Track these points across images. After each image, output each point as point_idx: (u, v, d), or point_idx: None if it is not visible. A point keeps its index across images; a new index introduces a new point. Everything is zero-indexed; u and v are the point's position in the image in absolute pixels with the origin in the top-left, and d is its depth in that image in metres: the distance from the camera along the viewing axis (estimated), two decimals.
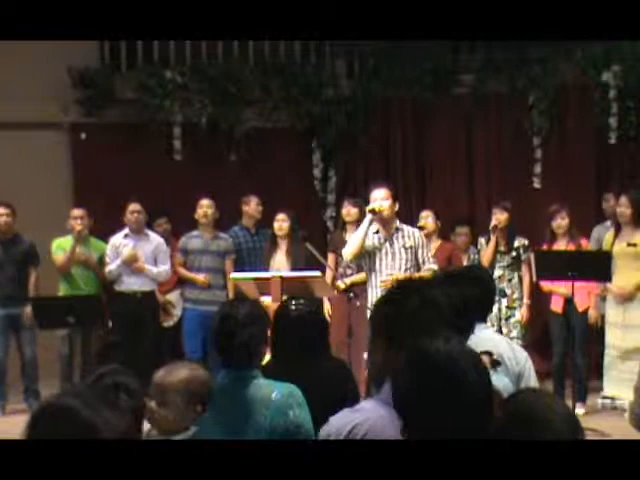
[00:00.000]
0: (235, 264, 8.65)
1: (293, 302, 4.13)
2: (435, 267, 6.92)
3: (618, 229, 7.64)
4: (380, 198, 6.84)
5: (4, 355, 8.31)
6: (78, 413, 1.90)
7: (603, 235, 8.25)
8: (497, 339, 4.10)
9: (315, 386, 3.77)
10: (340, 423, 2.65)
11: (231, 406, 3.44)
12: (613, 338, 7.56)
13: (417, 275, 6.83)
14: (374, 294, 6.80)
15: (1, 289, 8.22)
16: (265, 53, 10.14)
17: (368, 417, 2.59)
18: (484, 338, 3.89)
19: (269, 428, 3.41)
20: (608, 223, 8.40)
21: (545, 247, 8.06)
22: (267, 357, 5.59)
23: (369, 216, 6.80)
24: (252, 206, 8.82)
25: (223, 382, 3.53)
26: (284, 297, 6.74)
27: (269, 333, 3.88)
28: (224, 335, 3.53)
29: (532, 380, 3.87)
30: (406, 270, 6.84)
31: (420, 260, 6.90)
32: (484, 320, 4.08)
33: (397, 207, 6.95)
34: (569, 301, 7.82)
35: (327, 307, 8.02)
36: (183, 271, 8.64)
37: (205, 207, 8.65)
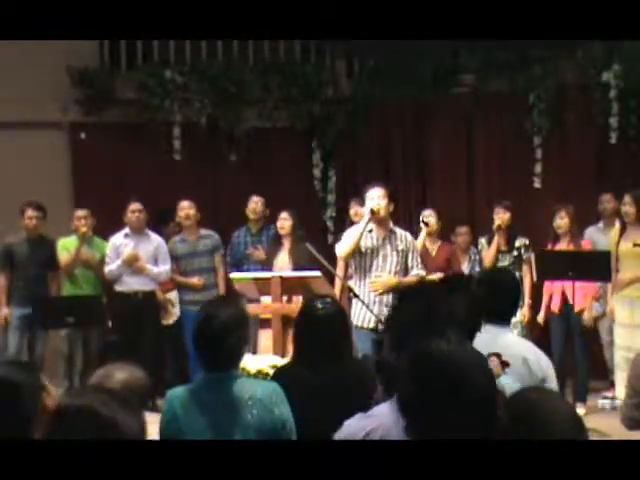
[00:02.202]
0: (231, 265, 8.67)
1: (320, 301, 4.11)
2: (422, 273, 6.88)
3: (623, 228, 7.63)
4: (378, 197, 6.79)
5: (17, 354, 8.29)
6: (99, 413, 1.90)
7: (596, 237, 8.26)
8: (521, 343, 4.09)
9: (340, 386, 3.78)
10: (354, 428, 2.65)
11: (217, 406, 3.44)
12: (622, 338, 7.55)
13: (403, 280, 6.80)
14: (362, 294, 6.77)
15: (23, 289, 8.21)
16: (265, 53, 10.13)
17: (382, 422, 2.59)
18: (507, 341, 3.89)
19: (257, 426, 3.42)
20: (601, 224, 8.40)
21: (549, 247, 8.07)
22: (252, 358, 5.58)
23: (367, 215, 6.76)
24: (248, 206, 8.82)
25: (206, 383, 3.52)
26: (284, 297, 6.78)
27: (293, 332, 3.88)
28: (209, 338, 3.50)
29: (554, 385, 3.87)
30: (395, 273, 6.79)
31: (409, 265, 6.84)
32: (507, 323, 4.07)
33: (392, 207, 6.89)
34: (567, 301, 7.84)
35: None
36: (177, 277, 8.65)
37: (186, 209, 8.65)
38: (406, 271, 6.83)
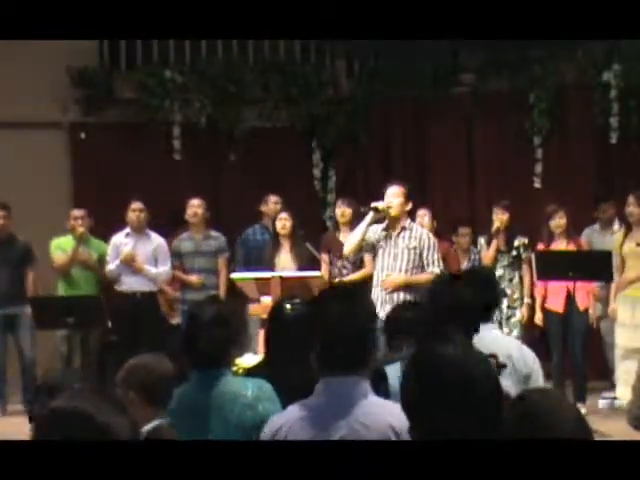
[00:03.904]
0: (245, 262, 8.53)
1: (288, 302, 4.09)
2: (437, 270, 6.82)
3: (628, 229, 7.66)
4: (391, 195, 6.82)
5: (2, 355, 8.28)
6: (92, 417, 1.88)
7: (592, 238, 8.28)
8: (505, 340, 4.09)
9: (309, 388, 3.76)
10: (271, 424, 2.82)
11: (201, 403, 3.46)
12: (623, 338, 7.56)
13: (414, 278, 6.80)
14: (375, 293, 6.77)
15: None
16: (265, 53, 10.13)
17: (288, 419, 2.76)
18: (491, 339, 3.89)
19: (235, 422, 3.43)
20: (597, 226, 8.41)
21: (542, 247, 8.07)
22: (253, 357, 5.58)
23: (371, 213, 6.78)
24: (270, 205, 8.71)
25: (194, 381, 3.55)
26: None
27: (263, 333, 3.88)
28: (188, 337, 3.55)
29: (540, 381, 3.86)
30: (407, 271, 6.78)
31: (425, 262, 6.82)
32: (490, 320, 4.06)
33: (409, 206, 6.90)
34: (570, 300, 7.83)
35: None
36: (178, 274, 8.62)
37: (195, 207, 8.59)
38: (422, 268, 6.81)
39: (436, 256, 6.88)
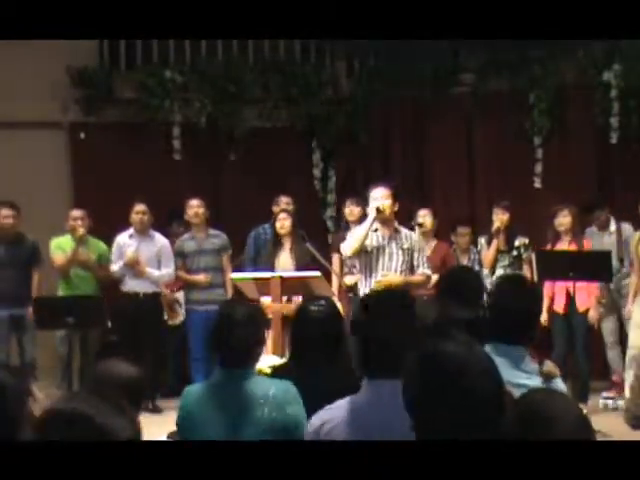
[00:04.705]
0: (255, 261, 8.39)
1: (314, 303, 4.12)
2: (429, 272, 6.88)
3: None
4: (381, 197, 6.80)
5: (6, 356, 8.26)
6: (92, 418, 1.88)
7: (591, 239, 8.32)
8: None
9: (334, 388, 3.78)
10: (316, 418, 2.88)
11: (228, 403, 3.47)
12: (637, 340, 7.58)
13: (410, 279, 6.82)
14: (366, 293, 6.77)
15: (4, 290, 8.14)
16: (265, 53, 10.13)
17: (334, 416, 2.81)
18: None
19: (267, 424, 3.43)
20: (594, 228, 8.42)
21: (549, 247, 8.09)
22: (268, 358, 5.58)
23: (373, 214, 6.76)
24: (281, 206, 8.62)
25: (218, 380, 3.55)
26: (284, 297, 6.78)
27: (286, 334, 3.90)
28: (221, 334, 3.56)
29: None
30: (401, 272, 6.81)
31: (415, 263, 6.86)
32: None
33: (397, 207, 6.91)
34: (571, 301, 7.84)
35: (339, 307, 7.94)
36: (183, 274, 8.61)
37: (195, 207, 8.59)
38: (412, 270, 6.85)
39: (425, 258, 6.98)
